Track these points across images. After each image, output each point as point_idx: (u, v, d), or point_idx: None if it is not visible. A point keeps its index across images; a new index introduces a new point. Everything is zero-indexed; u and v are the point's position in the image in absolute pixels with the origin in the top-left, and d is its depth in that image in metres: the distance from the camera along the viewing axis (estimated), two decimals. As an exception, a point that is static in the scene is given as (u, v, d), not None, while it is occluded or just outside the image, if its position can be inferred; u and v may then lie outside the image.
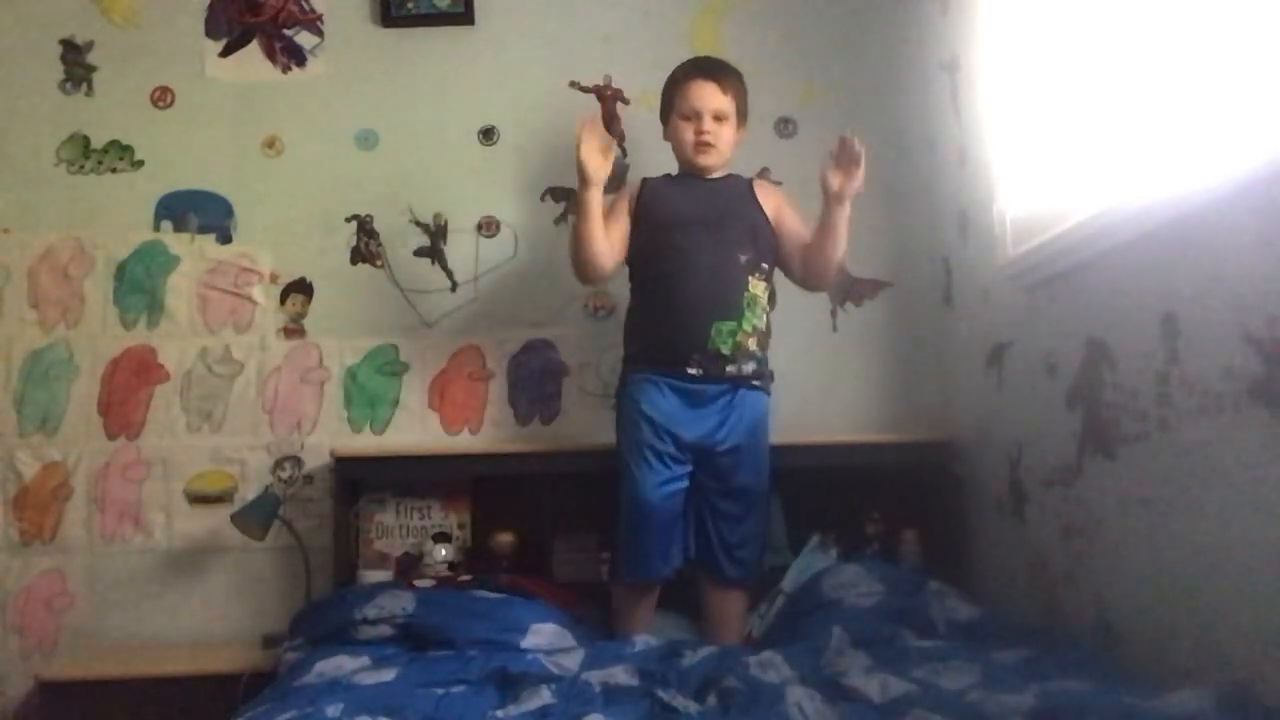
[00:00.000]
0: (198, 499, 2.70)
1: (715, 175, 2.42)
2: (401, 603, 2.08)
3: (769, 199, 2.42)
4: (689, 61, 2.46)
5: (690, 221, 2.32)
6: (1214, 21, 1.55)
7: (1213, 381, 1.51)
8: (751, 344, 2.29)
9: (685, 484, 2.26)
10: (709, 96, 2.36)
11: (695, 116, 2.36)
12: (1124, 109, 1.80)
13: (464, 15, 2.88)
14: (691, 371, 2.25)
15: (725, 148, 2.38)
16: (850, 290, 2.85)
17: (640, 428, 2.24)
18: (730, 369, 2.26)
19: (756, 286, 2.31)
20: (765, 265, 2.36)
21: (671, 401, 2.25)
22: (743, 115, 2.43)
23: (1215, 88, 1.54)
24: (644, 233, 2.37)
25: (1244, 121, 1.45)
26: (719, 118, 2.36)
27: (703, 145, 2.35)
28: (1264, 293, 1.40)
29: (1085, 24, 1.96)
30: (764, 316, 2.34)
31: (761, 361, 2.33)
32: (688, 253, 2.28)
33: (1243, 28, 1.48)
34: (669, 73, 2.90)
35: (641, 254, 2.38)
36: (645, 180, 2.47)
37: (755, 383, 2.31)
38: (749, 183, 2.45)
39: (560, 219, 2.85)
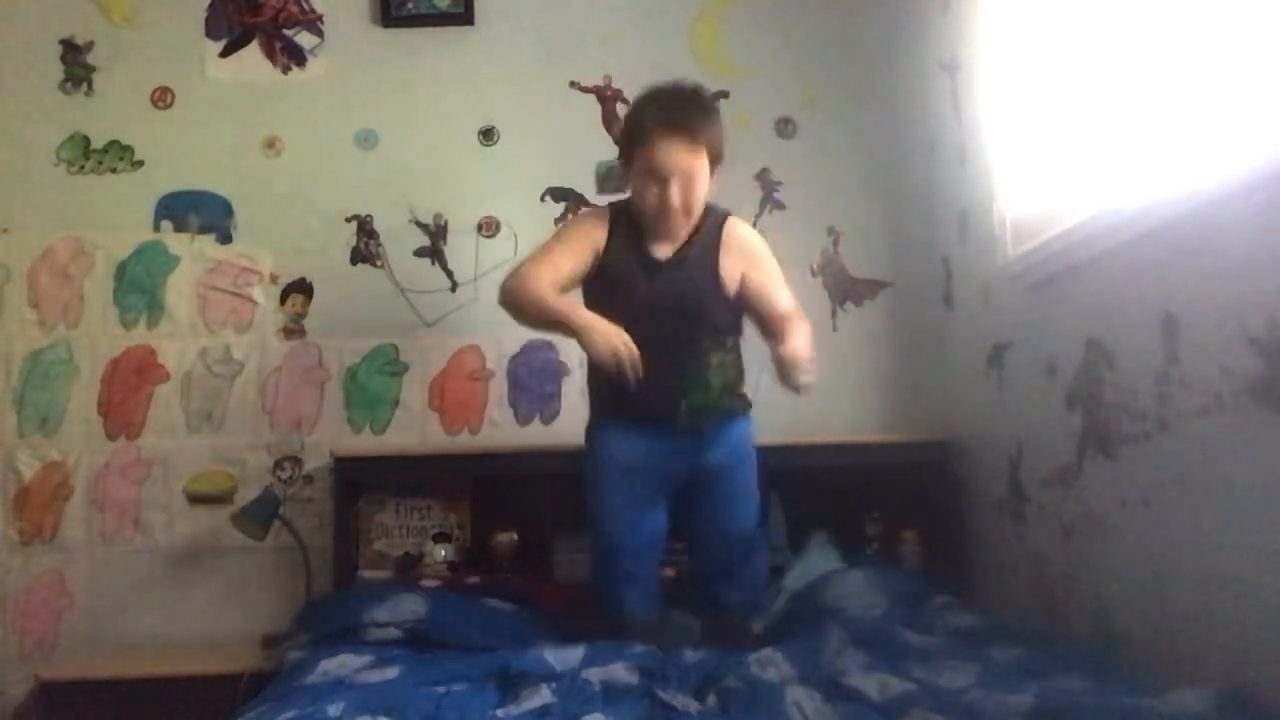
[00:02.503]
0: (198, 499, 2.70)
1: (684, 235, 2.11)
2: (412, 606, 2.08)
3: (735, 265, 2.11)
4: (656, 102, 2.06)
5: (651, 312, 2.02)
6: (1213, 22, 1.55)
7: (1213, 381, 1.51)
8: (723, 395, 2.07)
9: (663, 525, 2.11)
10: (679, 156, 2.00)
11: (662, 180, 2.01)
12: (1124, 109, 1.80)
13: (464, 15, 2.89)
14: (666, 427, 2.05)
15: (697, 206, 2.07)
16: (850, 290, 2.86)
17: (610, 470, 2.08)
18: (707, 422, 2.07)
19: (718, 355, 2.07)
20: (731, 337, 2.14)
21: (646, 440, 2.06)
22: (716, 157, 2.07)
23: (1214, 88, 1.54)
24: (602, 299, 2.07)
25: (1243, 122, 1.45)
26: (690, 178, 2.03)
27: (668, 216, 2.05)
28: (1264, 293, 1.40)
29: (1085, 24, 1.96)
30: (731, 364, 2.11)
31: (737, 396, 2.15)
32: (648, 341, 1.93)
33: (1242, 28, 1.48)
34: (669, 74, 2.90)
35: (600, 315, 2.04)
36: (614, 223, 2.13)
37: (734, 413, 2.14)
38: (717, 247, 2.11)
39: (560, 219, 2.85)
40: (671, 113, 2.02)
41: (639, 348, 1.92)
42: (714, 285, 2.09)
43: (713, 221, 2.14)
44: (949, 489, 2.53)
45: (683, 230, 2.09)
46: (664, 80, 2.11)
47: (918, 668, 1.67)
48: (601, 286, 2.10)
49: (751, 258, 2.14)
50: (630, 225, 2.11)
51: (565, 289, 2.09)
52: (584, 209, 2.76)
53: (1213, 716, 1.27)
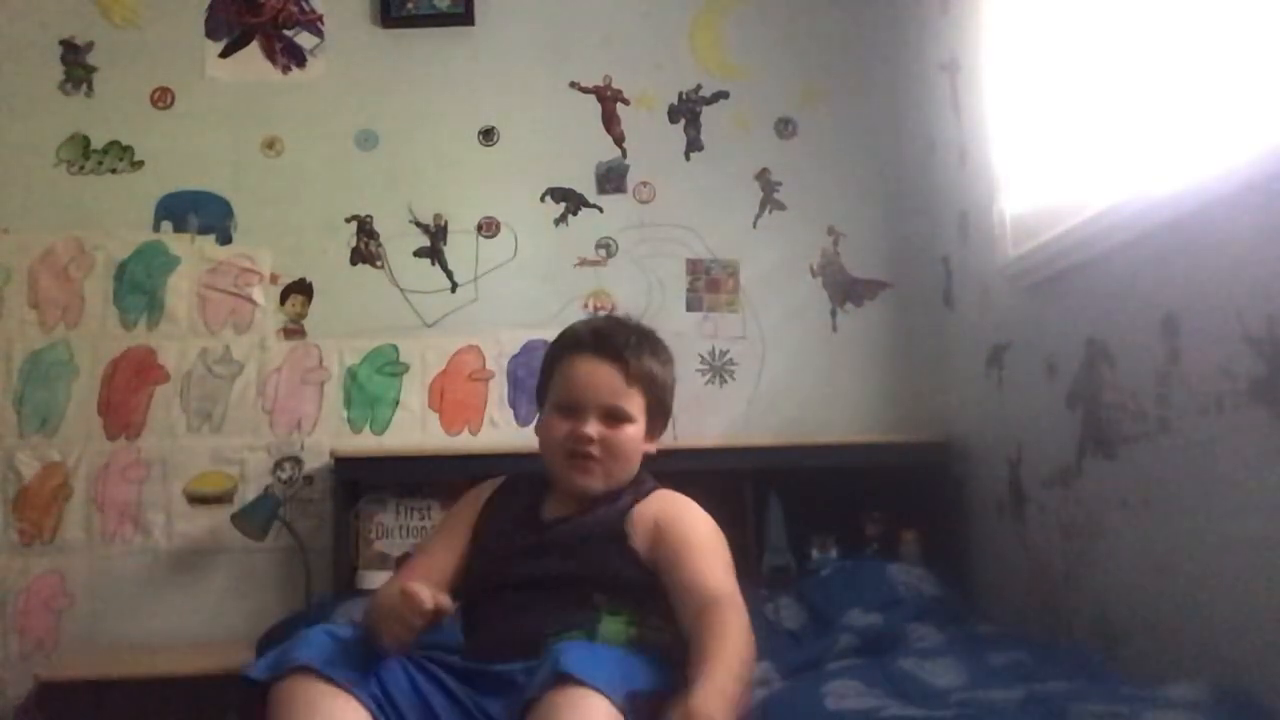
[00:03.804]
0: (198, 499, 2.70)
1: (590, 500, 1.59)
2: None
3: (647, 530, 1.53)
4: (585, 326, 1.68)
5: (527, 576, 1.51)
6: (1213, 21, 1.55)
7: (1213, 381, 1.51)
8: None
9: None
10: (603, 386, 1.56)
11: (575, 413, 1.56)
12: (1124, 109, 1.80)
13: (464, 15, 2.89)
14: None
15: (620, 464, 1.58)
16: (850, 290, 2.86)
17: None
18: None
19: (615, 621, 1.46)
20: (636, 609, 1.48)
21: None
22: (657, 410, 1.62)
23: (1215, 88, 1.54)
24: (471, 577, 1.59)
25: (1244, 121, 1.45)
26: (614, 417, 1.56)
27: (581, 461, 1.55)
28: (1264, 293, 1.40)
29: (1085, 25, 1.96)
30: (637, 637, 1.46)
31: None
32: (517, 609, 1.50)
33: (1241, 28, 1.48)
34: (669, 74, 2.92)
35: (468, 599, 1.58)
36: (501, 490, 1.68)
37: None
38: (630, 509, 1.56)
39: (560, 219, 2.85)
40: (601, 336, 1.61)
41: (503, 619, 1.48)
42: (616, 541, 1.51)
43: (636, 491, 1.59)
44: (949, 489, 2.53)
45: (593, 490, 1.57)
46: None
47: (912, 669, 1.67)
48: (472, 562, 1.60)
49: (672, 525, 1.52)
50: (524, 490, 1.65)
51: (450, 584, 1.54)
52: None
53: (1208, 710, 1.27)
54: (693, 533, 1.51)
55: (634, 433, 1.57)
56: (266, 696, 1.25)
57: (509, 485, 1.68)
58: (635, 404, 1.57)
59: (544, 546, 1.53)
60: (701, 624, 1.32)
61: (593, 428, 1.54)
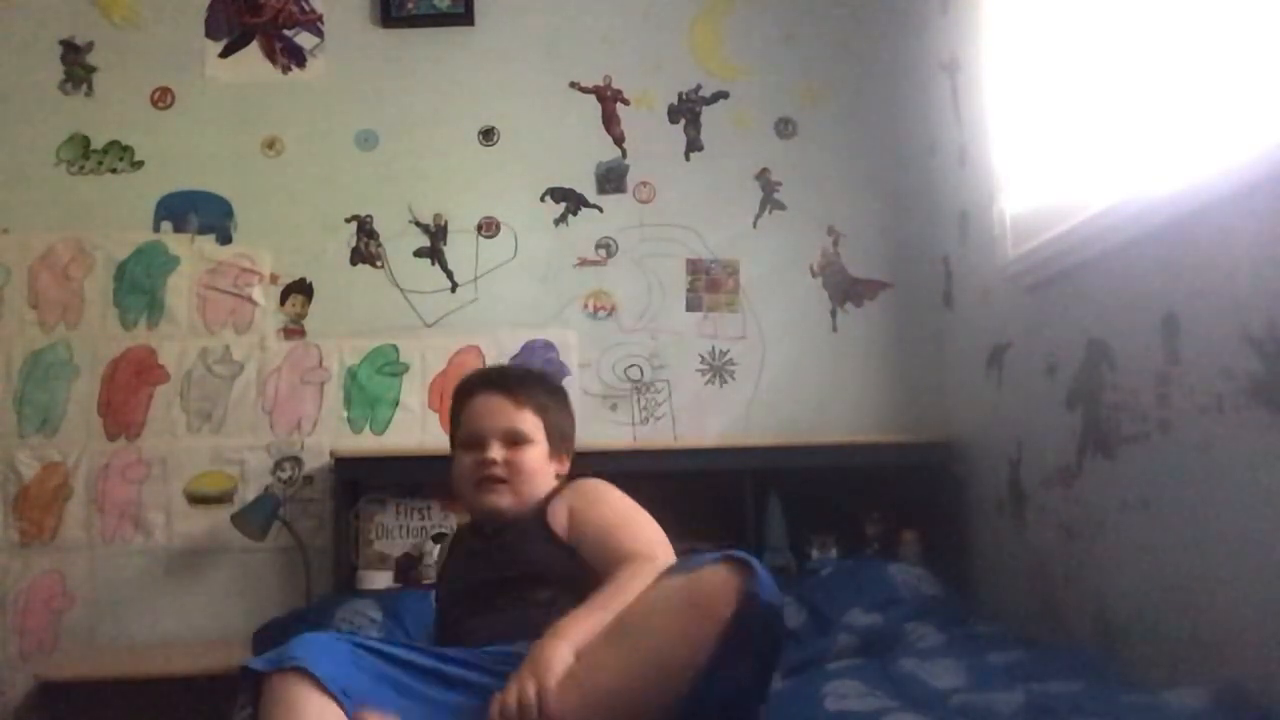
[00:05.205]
0: (198, 499, 2.70)
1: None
2: (368, 612, 2.12)
3: (564, 507, 1.64)
4: (478, 372, 1.92)
5: (473, 582, 1.65)
6: (1213, 23, 1.55)
7: (1213, 381, 1.51)
8: None
9: None
10: (497, 413, 1.69)
11: (477, 444, 1.68)
12: (1124, 110, 1.80)
13: (464, 15, 2.89)
14: None
15: (526, 481, 1.67)
16: (850, 290, 2.86)
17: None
18: None
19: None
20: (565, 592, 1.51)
21: None
22: (560, 440, 1.74)
23: (1215, 89, 1.54)
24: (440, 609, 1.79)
25: (1244, 123, 1.45)
26: (514, 440, 1.68)
27: (489, 484, 1.66)
28: (1264, 293, 1.40)
29: (1085, 25, 1.96)
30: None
31: None
32: (469, 615, 1.62)
33: (1241, 29, 1.48)
34: (669, 74, 2.92)
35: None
36: (453, 540, 1.90)
37: None
38: (549, 501, 1.66)
39: (560, 219, 2.85)
40: (492, 375, 1.84)
41: (459, 629, 1.59)
42: (536, 525, 1.62)
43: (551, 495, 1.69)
44: (949, 489, 2.53)
45: (502, 507, 1.67)
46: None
47: (912, 670, 1.67)
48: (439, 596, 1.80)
49: (587, 497, 1.64)
50: (467, 532, 1.81)
51: None
52: None
53: (1210, 715, 1.27)
54: (609, 510, 1.61)
55: (536, 453, 1.69)
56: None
57: (467, 527, 1.82)
58: (531, 425, 1.70)
59: (478, 559, 1.67)
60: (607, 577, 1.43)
61: (496, 451, 1.66)
